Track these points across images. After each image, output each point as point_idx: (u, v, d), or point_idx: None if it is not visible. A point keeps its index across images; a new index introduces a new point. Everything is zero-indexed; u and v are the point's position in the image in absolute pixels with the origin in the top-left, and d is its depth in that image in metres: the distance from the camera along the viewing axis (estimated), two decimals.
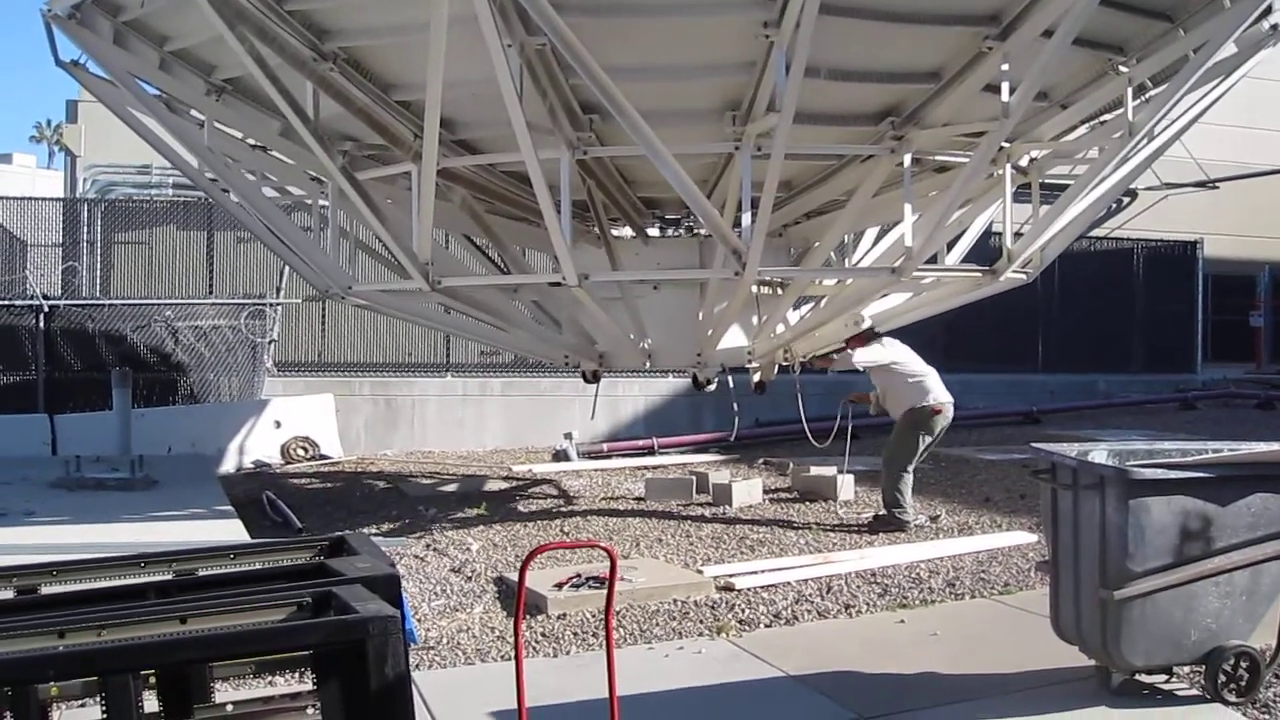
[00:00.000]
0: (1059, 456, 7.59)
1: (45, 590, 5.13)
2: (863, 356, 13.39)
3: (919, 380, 13.23)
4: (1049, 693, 7.53)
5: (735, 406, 16.82)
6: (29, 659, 3.75)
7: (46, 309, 19.55)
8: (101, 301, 20.70)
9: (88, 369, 19.67)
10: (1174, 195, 28.71)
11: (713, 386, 14.88)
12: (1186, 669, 7.52)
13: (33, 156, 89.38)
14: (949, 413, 13.30)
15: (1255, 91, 26.78)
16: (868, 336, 13.57)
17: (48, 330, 19.59)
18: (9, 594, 5.09)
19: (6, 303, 20.20)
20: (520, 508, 14.64)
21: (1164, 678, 7.48)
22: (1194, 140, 23.75)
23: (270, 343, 20.50)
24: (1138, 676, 7.41)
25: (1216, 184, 28.83)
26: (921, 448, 13.22)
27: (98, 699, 3.89)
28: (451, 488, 16.62)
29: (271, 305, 20.46)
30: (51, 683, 4.35)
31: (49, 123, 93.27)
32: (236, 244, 20.30)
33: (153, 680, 4.22)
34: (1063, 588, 7.62)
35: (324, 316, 21.38)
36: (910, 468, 13.10)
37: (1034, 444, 8.18)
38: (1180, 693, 7.40)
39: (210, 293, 21.42)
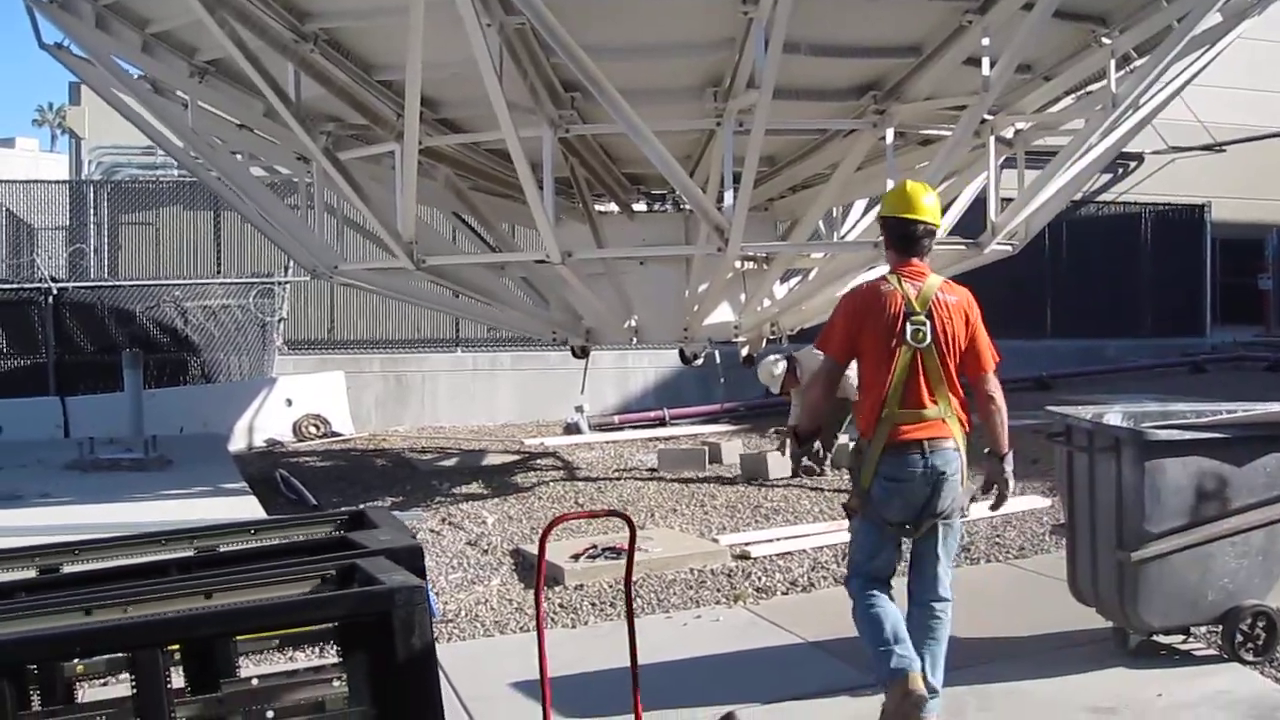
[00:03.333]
0: (1074, 419, 7.62)
1: (68, 569, 5.14)
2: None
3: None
4: (1066, 654, 7.56)
5: (721, 381, 16.87)
6: (58, 636, 3.76)
7: (55, 292, 19.51)
8: (110, 283, 20.70)
9: (98, 351, 19.65)
10: (1180, 159, 28.59)
11: (700, 361, 14.88)
12: (1203, 629, 7.55)
13: (35, 140, 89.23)
14: None
15: (1262, 54, 26.73)
16: (793, 370, 14.01)
17: (57, 313, 19.55)
18: (32, 573, 5.11)
19: (14, 286, 20.19)
20: (533, 481, 14.65)
21: (1181, 638, 7.53)
22: (1200, 103, 23.70)
23: (280, 321, 20.48)
24: (1155, 637, 7.45)
25: (1223, 147, 28.72)
26: None
27: (122, 675, 3.91)
28: (464, 462, 16.63)
29: (280, 283, 20.45)
30: (77, 660, 4.37)
31: (51, 106, 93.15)
32: (243, 223, 20.24)
33: (177, 656, 4.23)
34: (1079, 550, 7.64)
35: (333, 294, 21.35)
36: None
37: (1049, 407, 8.19)
38: (1198, 653, 7.44)
39: (218, 272, 21.43)
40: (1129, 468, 7.01)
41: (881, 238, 6.98)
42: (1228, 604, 7.16)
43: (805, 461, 6.91)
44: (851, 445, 6.78)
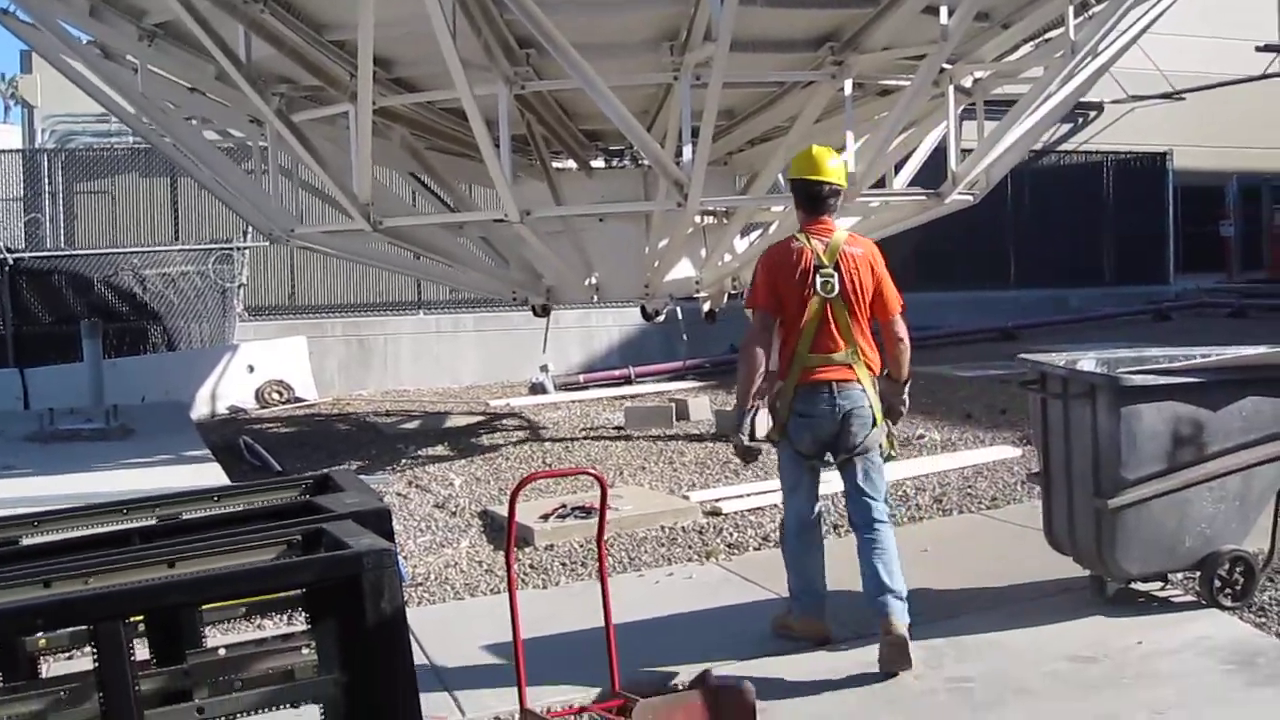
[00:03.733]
0: (1048, 366, 7.56)
1: (27, 541, 5.02)
2: None
3: None
4: (1044, 604, 7.52)
5: (685, 337, 16.84)
6: (15, 609, 3.63)
7: (11, 263, 19.27)
8: (66, 252, 20.48)
9: (57, 321, 19.44)
10: (1141, 108, 28.62)
11: (661, 318, 14.82)
12: (1181, 575, 7.51)
13: None
14: None
15: (1219, 1, 26.75)
16: None
17: (13, 284, 19.34)
18: None
19: None
20: (500, 441, 14.55)
21: (1159, 585, 7.49)
22: (1160, 52, 23.72)
23: (240, 287, 20.30)
24: (1132, 585, 7.40)
25: (1183, 95, 28.73)
26: None
27: (86, 648, 3.79)
28: (429, 425, 16.52)
29: (239, 249, 20.26)
30: (40, 634, 4.26)
31: (3, 77, 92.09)
32: (201, 189, 19.98)
33: (142, 628, 4.12)
34: (1055, 498, 7.58)
35: (293, 259, 21.19)
36: None
37: (1022, 355, 8.13)
38: (1176, 599, 7.40)
39: (176, 239, 21.20)
40: (1105, 414, 6.94)
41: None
42: (1205, 550, 7.10)
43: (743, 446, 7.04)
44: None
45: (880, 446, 7.10)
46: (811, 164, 7.19)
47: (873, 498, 7.06)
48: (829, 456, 7.18)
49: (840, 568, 8.61)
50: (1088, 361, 7.58)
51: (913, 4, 11.43)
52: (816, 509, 7.26)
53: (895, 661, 6.58)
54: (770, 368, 7.12)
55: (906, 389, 7.29)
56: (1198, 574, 7.27)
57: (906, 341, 7.26)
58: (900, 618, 6.71)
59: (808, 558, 7.20)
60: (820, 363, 6.91)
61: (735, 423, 7.25)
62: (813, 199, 7.22)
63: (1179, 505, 7.04)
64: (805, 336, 6.91)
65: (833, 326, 6.92)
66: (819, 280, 6.91)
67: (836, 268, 6.96)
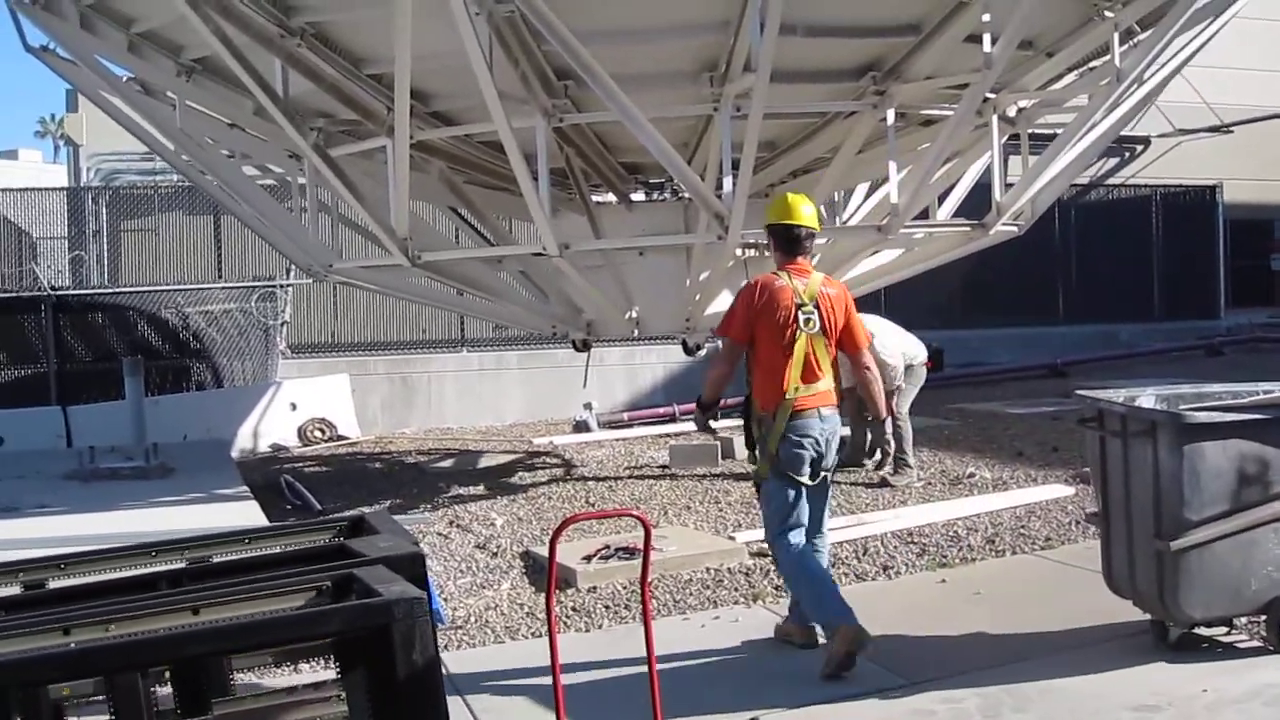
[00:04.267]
0: (1106, 403, 7.32)
1: (54, 584, 4.89)
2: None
3: (907, 344, 13.40)
4: (1104, 650, 7.27)
5: None
6: (28, 660, 3.48)
7: (55, 300, 19.27)
8: (109, 290, 20.45)
9: (99, 359, 19.41)
10: (1190, 141, 28.31)
11: (703, 352, 14.71)
12: (1246, 620, 7.26)
13: (39, 152, 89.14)
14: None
15: (1268, 33, 26.49)
16: None
17: (57, 322, 19.33)
18: (15, 589, 4.86)
19: (14, 295, 19.94)
20: (542, 480, 14.38)
21: (1223, 630, 7.22)
22: (1207, 85, 23.47)
23: (283, 324, 20.22)
24: (1196, 630, 7.14)
25: (1231, 129, 28.40)
26: (913, 396, 13.44)
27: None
28: (471, 463, 16.37)
29: (282, 286, 20.19)
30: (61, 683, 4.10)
31: (53, 117, 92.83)
32: (244, 226, 20.00)
33: (168, 673, 3.97)
34: (1114, 540, 7.34)
35: (335, 296, 21.12)
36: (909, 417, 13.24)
37: (1078, 391, 7.89)
38: (1241, 645, 7.15)
39: (219, 276, 21.16)
40: (1166, 452, 6.71)
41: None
42: (1272, 593, 6.85)
43: (706, 426, 8.39)
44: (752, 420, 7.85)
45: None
46: (787, 209, 7.87)
47: (826, 513, 7.92)
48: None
49: (894, 609, 8.45)
50: (1147, 398, 7.36)
51: (955, 32, 11.31)
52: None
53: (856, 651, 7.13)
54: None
55: (888, 425, 8.11)
56: (1264, 618, 7.02)
57: (875, 370, 8.10)
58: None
59: (817, 582, 7.55)
60: (807, 392, 7.51)
61: (704, 418, 8.24)
62: (790, 241, 7.86)
63: (1244, 547, 6.79)
64: (795, 368, 7.48)
65: (814, 359, 7.55)
66: (803, 317, 7.55)
67: (816, 306, 7.63)
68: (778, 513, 7.61)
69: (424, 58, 10.57)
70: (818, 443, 7.51)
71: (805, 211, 7.87)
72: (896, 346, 13.15)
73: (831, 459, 7.68)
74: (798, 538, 7.55)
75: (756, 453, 7.79)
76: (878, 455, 13.29)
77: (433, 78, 11.77)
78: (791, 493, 7.53)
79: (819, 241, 13.36)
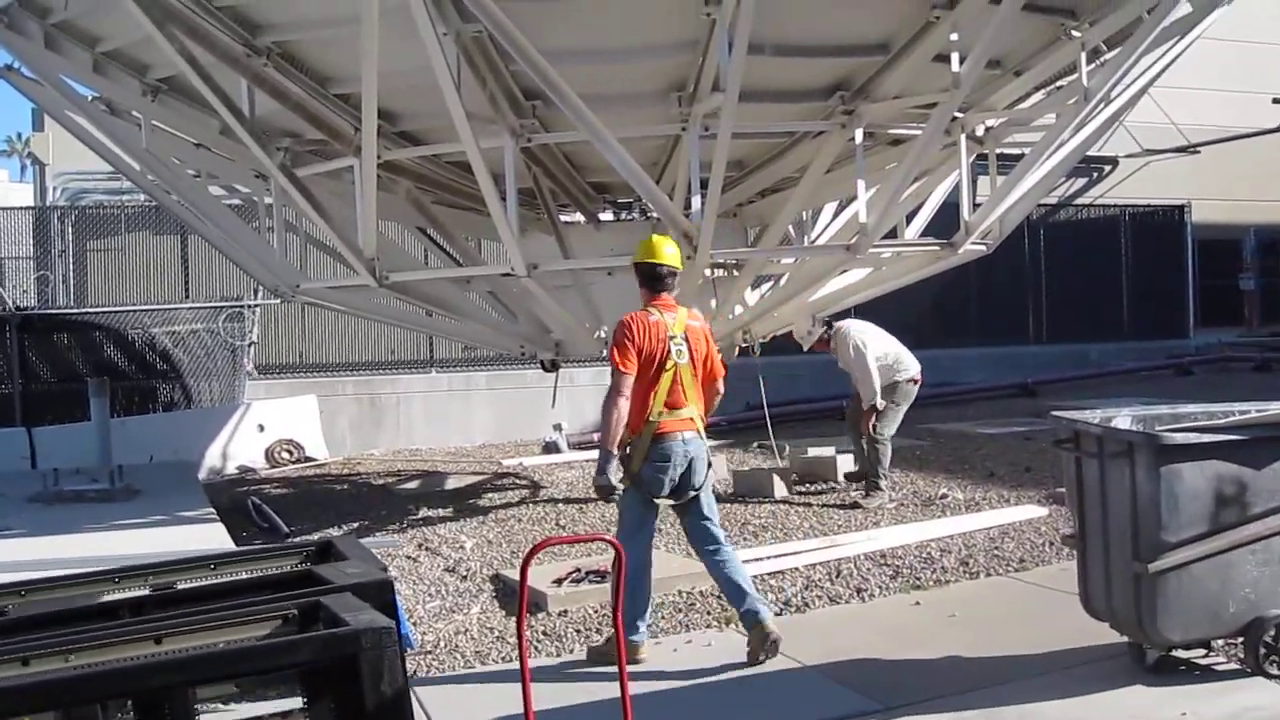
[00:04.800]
0: (1082, 424, 7.26)
1: (13, 612, 4.76)
2: (845, 360, 13.47)
3: (896, 359, 13.36)
4: (1081, 673, 7.21)
5: None
6: None
7: (20, 320, 19.09)
8: (75, 310, 20.28)
9: (65, 380, 19.23)
10: (1158, 161, 28.40)
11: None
12: (1224, 642, 7.22)
13: (4, 171, 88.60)
14: (920, 380, 13.55)
15: (1236, 53, 26.59)
16: (828, 338, 13.69)
17: (21, 342, 19.14)
18: None
19: None
20: (512, 502, 14.26)
21: (1202, 652, 7.18)
22: (1175, 105, 23.56)
23: (250, 345, 20.07)
24: (1174, 652, 7.08)
25: (1198, 149, 28.50)
26: (899, 419, 13.41)
27: None
28: (440, 485, 16.26)
29: (249, 307, 20.04)
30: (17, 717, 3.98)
31: (19, 135, 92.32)
32: (211, 246, 19.88)
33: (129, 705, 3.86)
34: (1091, 562, 7.28)
35: (304, 317, 20.98)
36: (890, 437, 13.25)
37: (1054, 412, 7.82)
38: (1219, 667, 7.10)
39: (187, 297, 20.98)
40: (1143, 474, 6.65)
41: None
42: (1250, 615, 6.79)
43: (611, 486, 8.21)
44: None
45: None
46: (651, 250, 8.44)
47: (713, 521, 8.30)
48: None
49: (869, 633, 8.38)
50: (1123, 419, 7.30)
51: (923, 52, 11.33)
52: (651, 554, 8.33)
53: (773, 652, 7.79)
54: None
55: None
56: (1242, 640, 6.96)
57: (719, 398, 8.68)
58: (771, 620, 7.95)
59: (644, 588, 8.15)
60: (671, 417, 8.11)
61: (603, 468, 8.18)
62: (654, 279, 8.44)
63: (1222, 569, 6.73)
64: (661, 394, 8.09)
65: (680, 387, 8.16)
66: (674, 349, 8.15)
67: (685, 338, 8.27)
68: (630, 523, 8.26)
69: (391, 77, 10.52)
70: (679, 464, 8.08)
71: (668, 252, 8.46)
72: (874, 359, 13.15)
73: (700, 479, 8.20)
74: (643, 551, 8.14)
75: (624, 468, 8.22)
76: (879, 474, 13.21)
77: (400, 97, 11.72)
78: (641, 509, 8.21)
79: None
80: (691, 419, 8.20)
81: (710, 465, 8.32)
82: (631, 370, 8.06)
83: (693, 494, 8.21)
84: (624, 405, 8.04)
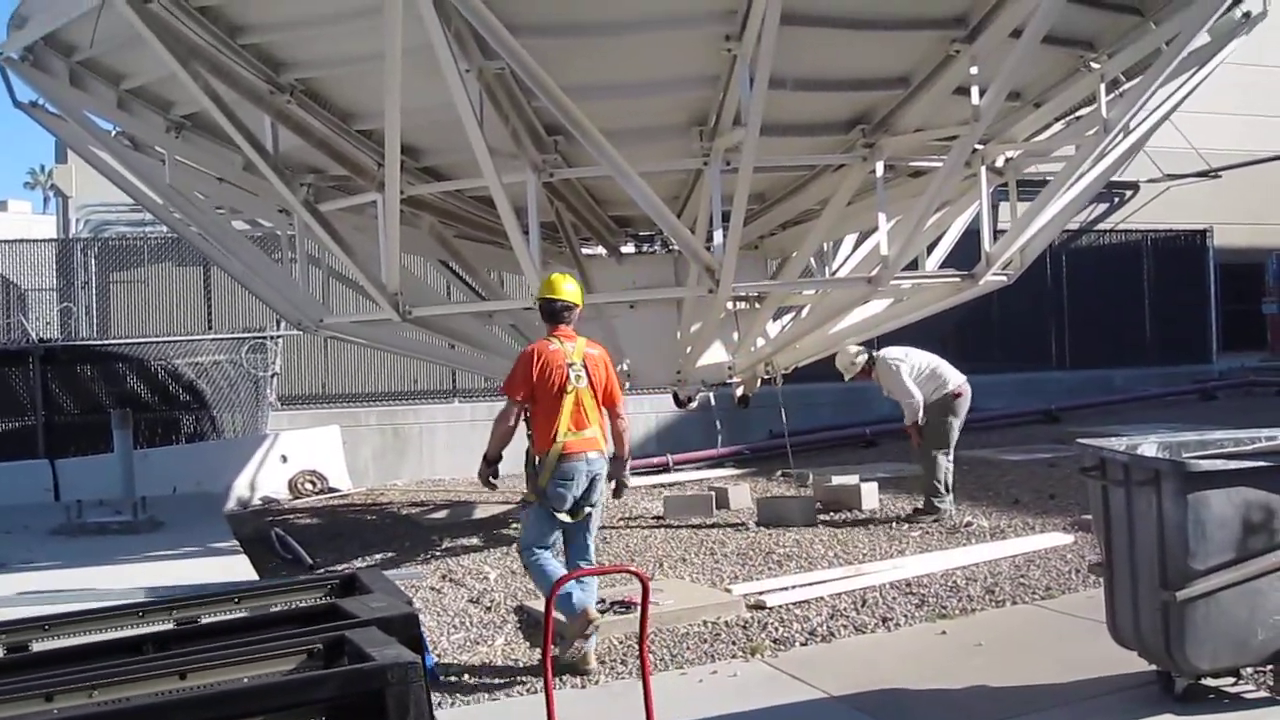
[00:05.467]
0: (1109, 452, 7.20)
1: (37, 647, 4.76)
2: (887, 383, 13.61)
3: (931, 371, 13.47)
4: (1109, 702, 7.16)
5: (718, 424, 16.62)
6: None
7: (43, 352, 19.15)
8: (98, 342, 20.34)
9: (88, 411, 19.28)
10: (1179, 186, 28.34)
11: (694, 404, 14.67)
12: (1253, 670, 7.14)
13: (28, 203, 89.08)
14: (968, 392, 13.63)
15: (1255, 78, 26.55)
16: (870, 367, 13.78)
17: (45, 374, 19.19)
18: None
19: (2, 347, 19.84)
20: None
21: (1231, 680, 7.09)
22: (1195, 130, 23.48)
23: (273, 376, 20.11)
24: (1202, 680, 7.01)
25: (1219, 173, 28.43)
26: (954, 432, 13.53)
27: None
28: (464, 515, 16.23)
29: (272, 338, 20.09)
30: None
31: (43, 168, 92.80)
32: (235, 280, 19.93)
33: None
34: (1119, 590, 7.22)
35: (327, 348, 20.99)
36: (949, 454, 13.40)
37: (1080, 440, 7.78)
38: (1249, 695, 7.03)
39: (209, 328, 21.05)
40: (1170, 501, 6.60)
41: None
42: (1279, 643, 6.73)
43: (489, 482, 9.61)
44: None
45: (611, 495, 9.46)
46: (550, 287, 9.34)
47: (591, 540, 9.20)
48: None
49: (895, 662, 8.33)
50: (1149, 446, 7.25)
51: (944, 85, 11.34)
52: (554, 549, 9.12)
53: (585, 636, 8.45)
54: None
55: (627, 465, 9.61)
56: (1271, 668, 6.91)
57: (626, 421, 9.45)
58: (594, 609, 8.58)
59: (554, 563, 8.96)
60: (575, 438, 8.89)
61: (482, 471, 9.50)
62: (554, 313, 9.31)
63: (1250, 596, 6.68)
64: (564, 418, 8.88)
65: (582, 410, 8.98)
66: (572, 375, 8.97)
67: (584, 365, 9.07)
68: (533, 532, 9.04)
69: (414, 113, 10.57)
70: (581, 480, 8.88)
71: (567, 289, 9.32)
72: (913, 376, 13.33)
73: (595, 496, 9.03)
74: (542, 553, 8.93)
75: (531, 484, 9.05)
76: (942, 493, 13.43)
77: (423, 133, 11.77)
78: (546, 523, 8.96)
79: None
80: (594, 439, 9.01)
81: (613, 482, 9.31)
82: (521, 397, 9.03)
83: (588, 510, 9.00)
84: (510, 424, 9.17)
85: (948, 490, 13.43)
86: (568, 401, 8.92)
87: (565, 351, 9.07)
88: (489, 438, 9.43)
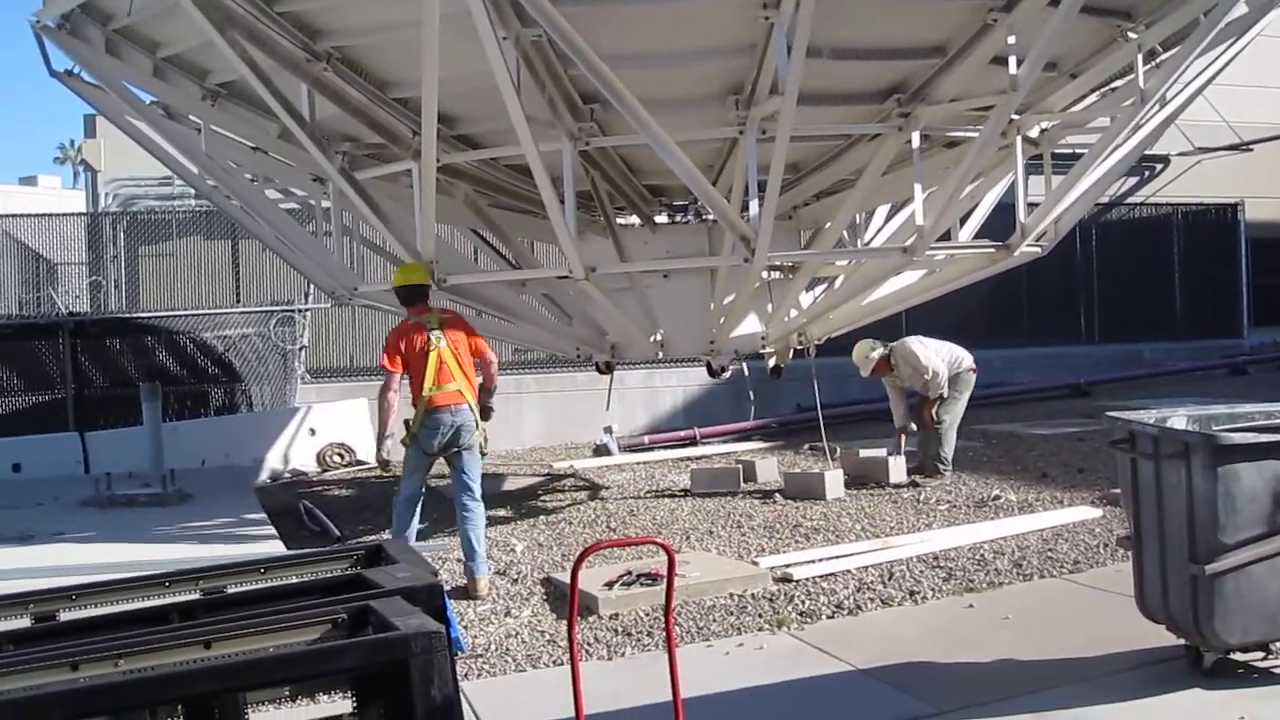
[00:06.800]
0: (1138, 425, 7.16)
1: (64, 616, 4.77)
2: (913, 365, 14.26)
3: (949, 352, 14.38)
4: (1137, 676, 7.13)
5: (751, 395, 16.58)
6: (32, 700, 3.35)
7: (73, 326, 19.21)
8: (128, 315, 20.38)
9: (117, 384, 19.31)
10: (1210, 159, 28.13)
11: (728, 374, 14.66)
12: None
13: (58, 178, 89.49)
14: (976, 368, 14.66)
15: None
16: (888, 358, 14.45)
17: (74, 347, 19.25)
18: (26, 621, 4.74)
19: (31, 322, 19.90)
20: (562, 505, 14.25)
21: (1260, 655, 7.06)
22: (1227, 102, 23.29)
23: (301, 349, 20.12)
24: (1231, 655, 6.98)
25: (1250, 147, 28.22)
26: (963, 404, 14.39)
27: None
28: (491, 488, 16.23)
29: (300, 311, 20.09)
30: None
31: (72, 143, 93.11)
32: (262, 251, 19.89)
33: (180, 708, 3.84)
34: (1148, 564, 7.19)
35: (354, 320, 21.01)
36: (955, 424, 14.28)
37: (1109, 413, 7.73)
38: (1278, 670, 6.96)
39: (238, 301, 21.06)
40: (1200, 475, 6.56)
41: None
42: None
43: (384, 458, 10.98)
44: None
45: (480, 445, 10.77)
46: (403, 274, 11.32)
47: (470, 478, 10.66)
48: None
49: (922, 635, 8.31)
50: (1179, 419, 7.20)
51: (980, 54, 11.22)
52: (422, 489, 10.85)
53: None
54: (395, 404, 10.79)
55: (493, 395, 11.20)
56: None
57: (495, 364, 11.23)
58: (484, 584, 10.24)
59: (408, 522, 10.69)
60: (439, 391, 10.57)
61: (379, 446, 10.99)
62: (409, 297, 11.12)
63: None
64: (430, 377, 10.56)
65: (445, 368, 10.62)
66: (432, 339, 10.64)
67: (440, 329, 10.75)
68: (409, 466, 10.69)
69: (450, 81, 10.49)
70: (447, 427, 10.53)
71: (414, 276, 11.23)
72: (937, 355, 14.10)
73: (464, 440, 10.59)
74: (415, 489, 10.72)
75: (407, 430, 10.66)
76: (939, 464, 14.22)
77: (459, 101, 11.71)
78: (418, 459, 10.66)
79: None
80: (459, 392, 10.64)
81: (478, 428, 10.70)
82: (394, 368, 10.69)
83: (455, 450, 10.60)
84: (392, 397, 10.72)
85: (949, 460, 14.29)
86: (431, 360, 10.59)
87: (423, 322, 10.79)
88: (378, 414, 11.01)
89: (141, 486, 14.45)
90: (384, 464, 10.98)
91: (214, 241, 21.63)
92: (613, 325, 13.39)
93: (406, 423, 10.66)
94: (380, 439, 10.91)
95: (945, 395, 14.11)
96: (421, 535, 11.55)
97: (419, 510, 10.83)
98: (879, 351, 14.30)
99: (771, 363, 14.91)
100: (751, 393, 16.67)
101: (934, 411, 14.19)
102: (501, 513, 13.78)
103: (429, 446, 10.59)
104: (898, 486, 13.92)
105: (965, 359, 14.40)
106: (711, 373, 14.50)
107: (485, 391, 11.11)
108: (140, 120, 13.32)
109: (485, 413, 11.02)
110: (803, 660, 7.99)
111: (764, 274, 12.46)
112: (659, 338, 13.16)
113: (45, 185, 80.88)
